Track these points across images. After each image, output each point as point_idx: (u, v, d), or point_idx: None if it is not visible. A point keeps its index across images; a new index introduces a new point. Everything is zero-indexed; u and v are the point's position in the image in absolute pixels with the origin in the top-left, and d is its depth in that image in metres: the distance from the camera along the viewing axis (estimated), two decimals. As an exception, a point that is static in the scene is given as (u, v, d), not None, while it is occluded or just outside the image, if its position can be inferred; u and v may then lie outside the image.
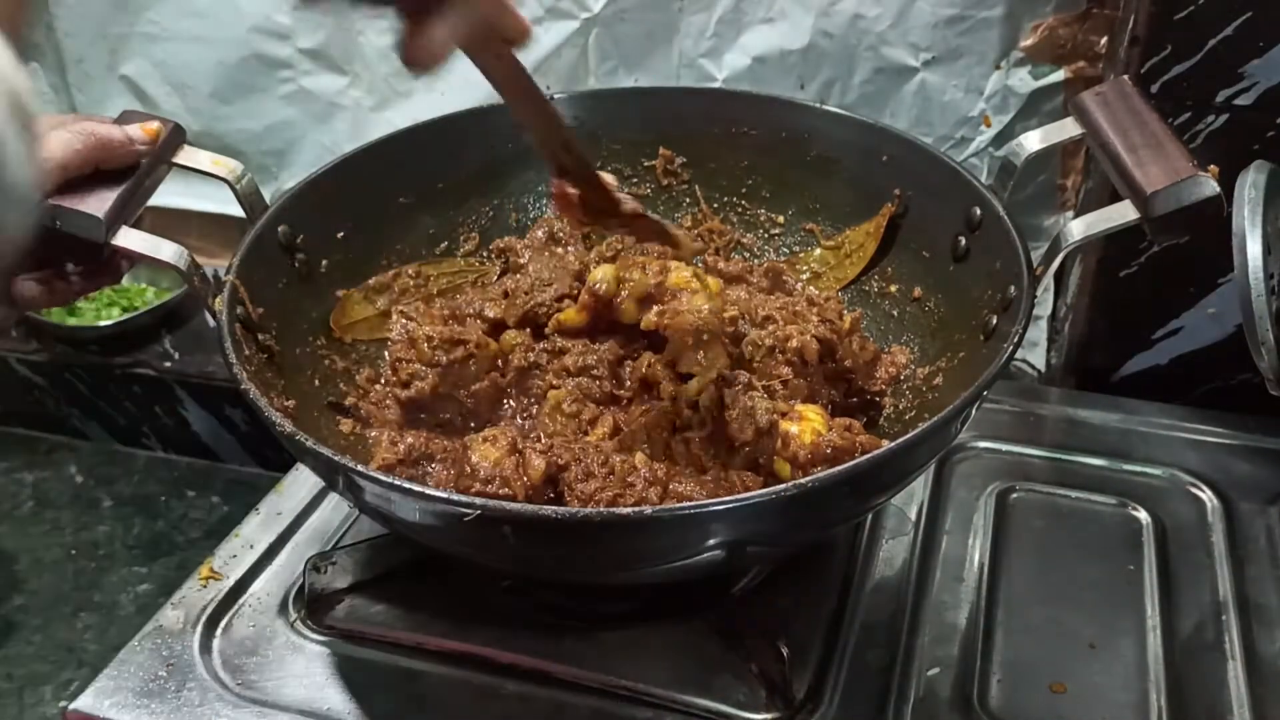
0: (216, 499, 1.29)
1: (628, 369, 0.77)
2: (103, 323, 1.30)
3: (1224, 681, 0.71)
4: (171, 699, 0.70)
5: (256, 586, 0.80)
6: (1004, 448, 0.92)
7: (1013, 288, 0.70)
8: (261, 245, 0.76)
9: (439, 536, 0.66)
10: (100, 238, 0.66)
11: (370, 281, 0.85)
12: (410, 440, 0.73)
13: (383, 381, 0.81)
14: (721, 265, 0.89)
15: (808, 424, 0.70)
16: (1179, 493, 0.87)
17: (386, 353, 0.82)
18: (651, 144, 0.94)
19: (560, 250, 0.88)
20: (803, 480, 0.57)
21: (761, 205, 0.94)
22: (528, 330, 0.81)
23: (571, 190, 0.70)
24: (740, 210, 0.94)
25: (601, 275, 0.77)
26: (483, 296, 0.84)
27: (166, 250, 0.69)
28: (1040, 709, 0.70)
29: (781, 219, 0.93)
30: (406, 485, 0.58)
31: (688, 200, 0.95)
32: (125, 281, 1.37)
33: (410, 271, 0.87)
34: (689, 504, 0.59)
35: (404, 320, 0.79)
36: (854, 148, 0.87)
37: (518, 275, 0.85)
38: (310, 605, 0.76)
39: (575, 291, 0.80)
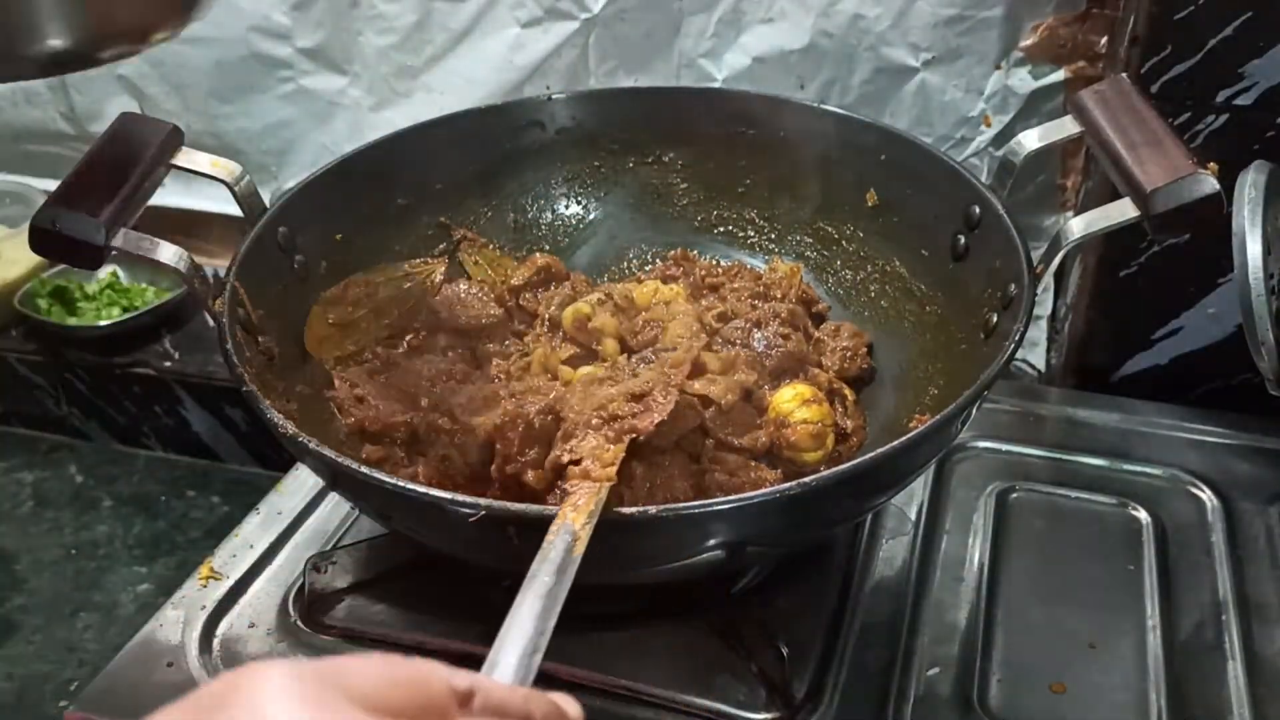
0: (216, 499, 1.28)
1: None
2: (103, 323, 1.30)
3: (1224, 681, 0.71)
4: (172, 699, 0.70)
5: (256, 586, 0.80)
6: (1004, 448, 0.92)
7: (1013, 286, 0.70)
8: (261, 247, 0.76)
9: (441, 537, 0.66)
10: (99, 240, 0.66)
11: (325, 294, 0.82)
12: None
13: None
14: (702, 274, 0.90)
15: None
16: (1179, 493, 0.87)
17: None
18: (651, 144, 0.94)
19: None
20: (803, 480, 0.57)
21: (759, 205, 0.94)
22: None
23: None
24: (738, 210, 0.94)
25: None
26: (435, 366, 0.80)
27: (166, 252, 0.69)
28: (1040, 709, 0.70)
29: (779, 219, 0.93)
30: (407, 486, 0.58)
31: (686, 202, 0.96)
32: (125, 281, 1.38)
33: (359, 281, 0.84)
34: (689, 504, 0.59)
35: (348, 398, 0.77)
36: (853, 147, 0.87)
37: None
38: (310, 605, 0.76)
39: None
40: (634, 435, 0.65)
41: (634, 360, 0.76)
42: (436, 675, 0.34)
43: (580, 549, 0.53)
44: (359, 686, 0.32)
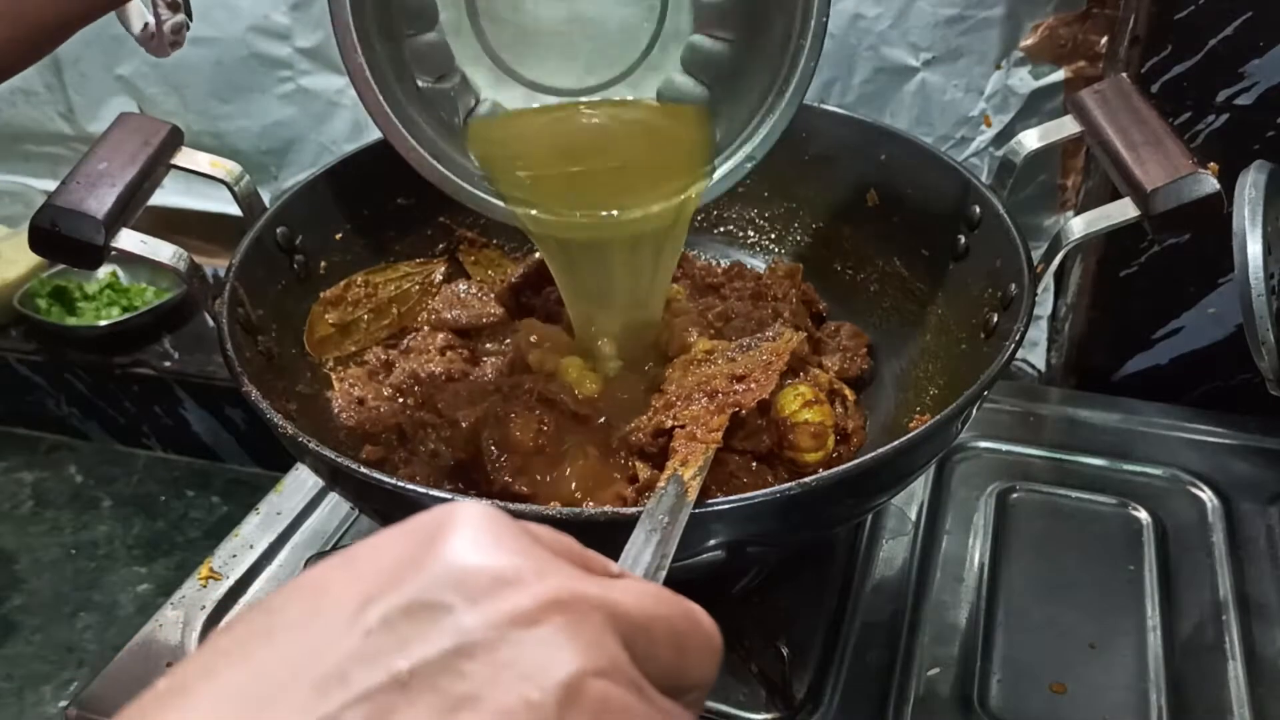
0: (216, 499, 1.29)
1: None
2: (102, 322, 1.30)
3: (1224, 681, 0.71)
4: (171, 700, 0.70)
5: (256, 586, 0.80)
6: (1004, 448, 0.92)
7: (1013, 285, 0.70)
8: (260, 247, 0.76)
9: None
10: (99, 240, 0.66)
11: (325, 294, 0.82)
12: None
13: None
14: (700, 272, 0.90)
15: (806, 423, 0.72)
16: (1179, 493, 0.87)
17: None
18: (651, 144, 0.94)
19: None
20: (803, 480, 0.57)
21: (759, 205, 0.94)
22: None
23: None
24: (738, 210, 0.94)
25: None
26: (432, 360, 0.81)
27: (166, 252, 0.69)
28: (1040, 709, 0.70)
29: (779, 219, 0.93)
30: (407, 486, 0.58)
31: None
32: (125, 281, 1.38)
33: (359, 281, 0.84)
34: (689, 504, 0.59)
35: (347, 398, 0.77)
36: (853, 147, 0.87)
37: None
38: (310, 606, 0.76)
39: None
40: (737, 408, 0.68)
41: (733, 346, 0.78)
42: (597, 554, 0.37)
43: (692, 495, 0.55)
44: (537, 533, 0.34)
